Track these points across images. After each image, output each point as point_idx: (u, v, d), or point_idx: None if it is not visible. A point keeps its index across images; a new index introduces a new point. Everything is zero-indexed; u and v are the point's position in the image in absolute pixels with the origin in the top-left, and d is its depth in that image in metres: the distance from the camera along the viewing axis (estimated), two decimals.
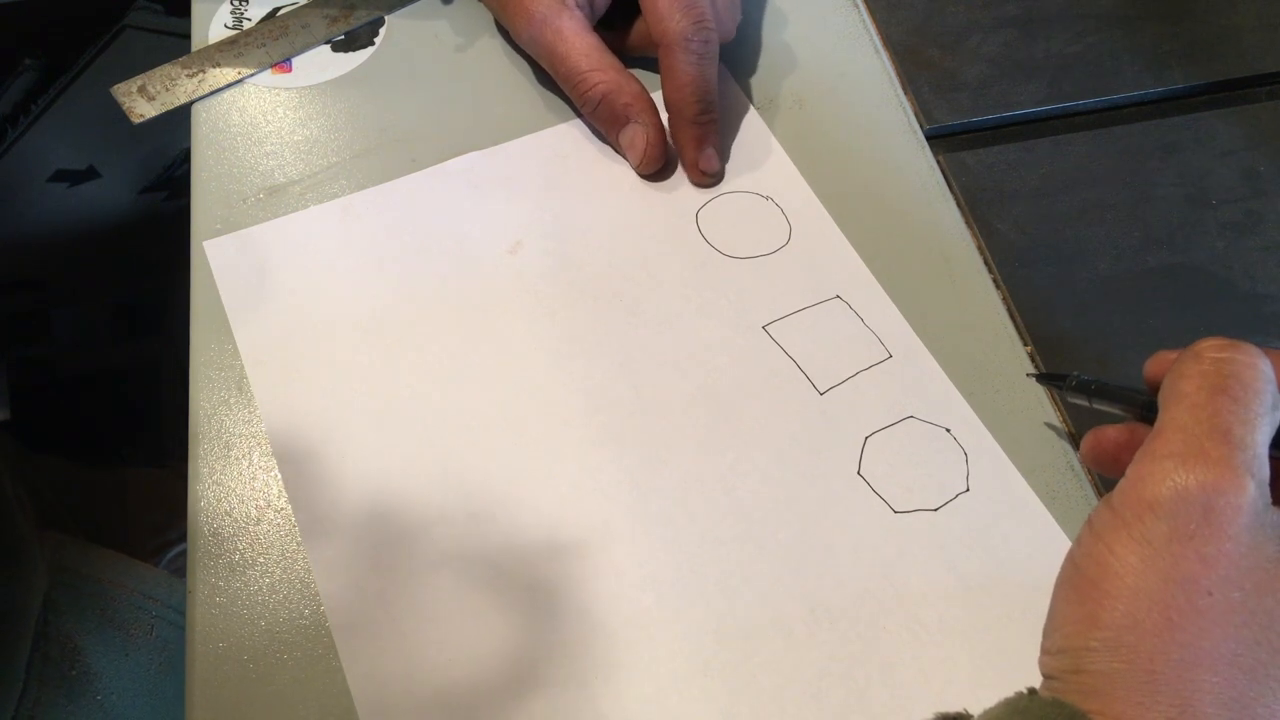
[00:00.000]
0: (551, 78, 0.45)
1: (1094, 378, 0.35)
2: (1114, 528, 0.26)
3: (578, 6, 0.43)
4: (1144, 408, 0.32)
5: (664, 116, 0.45)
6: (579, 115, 0.47)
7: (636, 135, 0.43)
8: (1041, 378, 0.38)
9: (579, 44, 0.43)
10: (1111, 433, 0.32)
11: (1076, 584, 0.27)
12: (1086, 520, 0.28)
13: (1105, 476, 0.37)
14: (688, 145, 0.44)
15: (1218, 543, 0.25)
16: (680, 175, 0.45)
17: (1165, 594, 0.25)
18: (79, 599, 0.54)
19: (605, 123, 0.44)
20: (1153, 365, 0.32)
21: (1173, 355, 0.30)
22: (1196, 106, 0.48)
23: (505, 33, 0.49)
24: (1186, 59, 0.49)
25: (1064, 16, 0.51)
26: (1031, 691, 0.27)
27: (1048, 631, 0.28)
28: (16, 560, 0.51)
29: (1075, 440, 0.38)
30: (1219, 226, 0.44)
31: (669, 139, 0.44)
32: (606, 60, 0.43)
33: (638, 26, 0.47)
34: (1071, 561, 0.28)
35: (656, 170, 0.44)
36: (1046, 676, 0.27)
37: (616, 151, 0.45)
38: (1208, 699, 0.24)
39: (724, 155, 0.45)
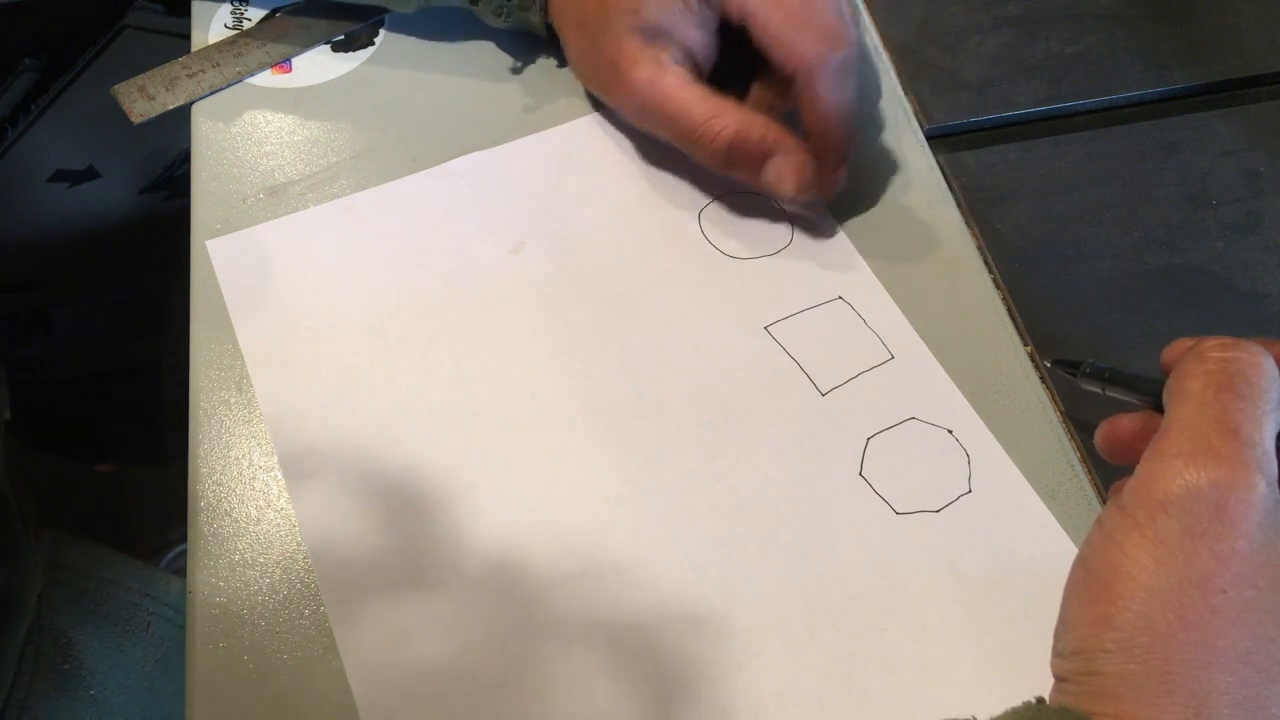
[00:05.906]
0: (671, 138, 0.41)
1: (1108, 365, 0.34)
2: (1126, 528, 0.26)
3: (676, 63, 0.40)
4: (1159, 396, 0.30)
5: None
6: (582, 114, 0.46)
7: (785, 167, 0.39)
8: (1055, 364, 0.38)
9: (688, 96, 0.39)
10: (1125, 422, 0.32)
11: (1088, 585, 0.27)
12: (1096, 521, 0.28)
13: (1108, 472, 0.36)
14: (826, 167, 0.40)
15: (1231, 540, 0.25)
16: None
17: (1180, 593, 0.25)
18: (74, 595, 0.54)
19: (743, 167, 0.39)
20: (1170, 352, 0.31)
21: (1189, 343, 0.29)
22: (1196, 106, 0.48)
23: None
24: (1186, 59, 0.49)
25: (1064, 16, 0.51)
26: (1040, 700, 0.27)
27: (1059, 634, 0.28)
28: (11, 556, 0.51)
29: (1076, 440, 0.38)
30: (1219, 226, 0.44)
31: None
32: (723, 104, 0.39)
33: (753, 93, 0.43)
34: (1082, 563, 0.27)
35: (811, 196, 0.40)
36: (1058, 679, 0.27)
37: (759, 192, 0.41)
38: (1223, 699, 0.24)
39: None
